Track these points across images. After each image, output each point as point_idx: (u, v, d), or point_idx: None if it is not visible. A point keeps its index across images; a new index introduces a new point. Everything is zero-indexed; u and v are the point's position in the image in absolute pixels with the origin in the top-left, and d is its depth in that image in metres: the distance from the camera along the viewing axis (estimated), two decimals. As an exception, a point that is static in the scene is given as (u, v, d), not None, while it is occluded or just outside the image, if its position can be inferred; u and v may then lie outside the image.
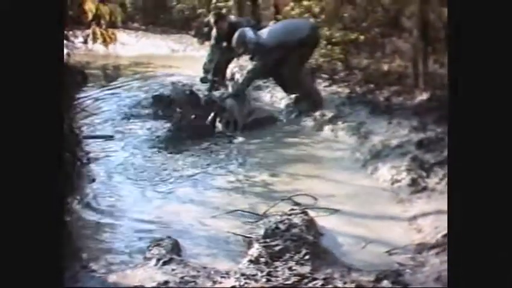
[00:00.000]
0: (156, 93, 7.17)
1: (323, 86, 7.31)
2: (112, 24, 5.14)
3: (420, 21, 6.65)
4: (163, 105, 6.83)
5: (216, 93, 6.97)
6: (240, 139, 6.16)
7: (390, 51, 7.66)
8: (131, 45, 11.46)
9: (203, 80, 7.53)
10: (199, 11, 11.64)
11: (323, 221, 4.28)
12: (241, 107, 6.50)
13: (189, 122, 6.23)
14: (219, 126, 6.39)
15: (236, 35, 6.71)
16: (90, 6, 4.48)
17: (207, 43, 8.00)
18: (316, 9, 7.94)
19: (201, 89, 7.35)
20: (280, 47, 6.56)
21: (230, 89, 6.60)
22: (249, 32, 6.69)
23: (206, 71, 7.54)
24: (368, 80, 7.13)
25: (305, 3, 8.08)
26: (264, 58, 6.59)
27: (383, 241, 4.02)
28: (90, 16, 4.55)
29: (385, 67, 7.37)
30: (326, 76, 7.55)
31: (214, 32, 7.64)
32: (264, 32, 6.79)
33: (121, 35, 10.17)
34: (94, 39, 4.73)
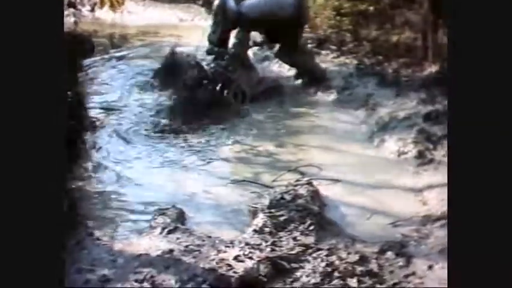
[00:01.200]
0: (161, 64, 7.08)
1: (330, 57, 7.26)
2: (120, -8, 5.10)
3: (430, -7, 6.57)
4: (168, 75, 6.75)
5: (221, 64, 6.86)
6: (248, 109, 6.13)
7: (400, 23, 7.56)
8: (139, 14, 11.37)
9: (209, 52, 7.35)
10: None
11: (328, 191, 4.29)
12: (249, 77, 6.45)
13: (195, 93, 6.18)
14: (227, 97, 6.31)
15: (216, 2, 6.68)
16: (97, -30, 4.44)
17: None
18: (326, -20, 7.84)
19: (205, 59, 7.24)
20: (263, 20, 6.54)
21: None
22: (230, 1, 6.62)
23: (211, 42, 7.39)
24: (377, 52, 7.07)
25: (315, -27, 7.97)
26: (246, 29, 6.59)
27: (388, 213, 4.02)
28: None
29: (394, 39, 7.29)
30: (334, 47, 7.49)
31: (215, 1, 7.54)
32: (246, 3, 6.69)
33: (129, 4, 10.11)
34: (102, 4, 4.68)
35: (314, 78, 6.68)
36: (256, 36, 7.05)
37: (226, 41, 7.35)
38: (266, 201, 4.03)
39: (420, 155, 4.79)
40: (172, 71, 6.80)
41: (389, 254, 3.45)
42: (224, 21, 6.68)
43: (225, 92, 6.30)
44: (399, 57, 6.81)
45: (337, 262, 3.36)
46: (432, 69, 6.33)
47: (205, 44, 6.92)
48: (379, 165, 4.77)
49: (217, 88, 6.29)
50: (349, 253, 3.45)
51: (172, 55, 7.09)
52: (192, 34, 8.99)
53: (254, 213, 3.95)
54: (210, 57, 6.88)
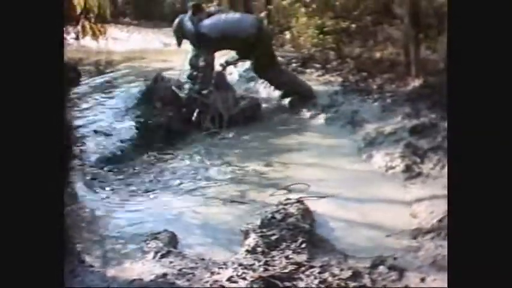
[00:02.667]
0: (143, 90, 7.04)
1: (315, 76, 7.31)
2: (103, 19, 5.12)
3: (411, 8, 6.66)
4: (149, 101, 6.70)
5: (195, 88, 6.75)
6: (229, 132, 6.13)
7: (382, 39, 7.68)
8: (124, 40, 11.43)
9: (190, 77, 7.23)
10: (190, 3, 11.56)
11: (319, 208, 4.31)
12: (225, 99, 6.39)
13: (174, 119, 6.17)
14: (205, 122, 6.24)
15: (175, 22, 6.72)
16: (79, 0, 4.47)
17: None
18: (308, -2, 7.93)
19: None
20: (224, 39, 6.51)
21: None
22: (188, 22, 6.63)
23: (193, 66, 7.31)
24: (361, 68, 7.13)
25: (296, -8, 8.06)
26: (209, 49, 6.59)
27: (379, 227, 4.05)
28: (79, 10, 4.53)
29: (377, 55, 7.39)
30: (318, 66, 7.55)
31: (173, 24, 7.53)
32: (205, 24, 6.68)
33: (113, 30, 10.15)
34: (84, 33, 4.71)
35: (302, 97, 6.70)
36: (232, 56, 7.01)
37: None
38: (257, 221, 4.05)
39: (407, 169, 4.84)
40: (152, 97, 6.75)
41: (382, 268, 3.47)
42: (183, 38, 6.69)
43: (202, 116, 6.26)
44: (383, 73, 6.88)
45: (330, 279, 3.37)
46: (415, 83, 6.40)
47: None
48: (368, 181, 4.80)
49: (195, 114, 6.26)
50: (342, 269, 3.46)
51: (155, 81, 7.02)
52: (177, 58, 9.04)
53: (246, 234, 3.96)
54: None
